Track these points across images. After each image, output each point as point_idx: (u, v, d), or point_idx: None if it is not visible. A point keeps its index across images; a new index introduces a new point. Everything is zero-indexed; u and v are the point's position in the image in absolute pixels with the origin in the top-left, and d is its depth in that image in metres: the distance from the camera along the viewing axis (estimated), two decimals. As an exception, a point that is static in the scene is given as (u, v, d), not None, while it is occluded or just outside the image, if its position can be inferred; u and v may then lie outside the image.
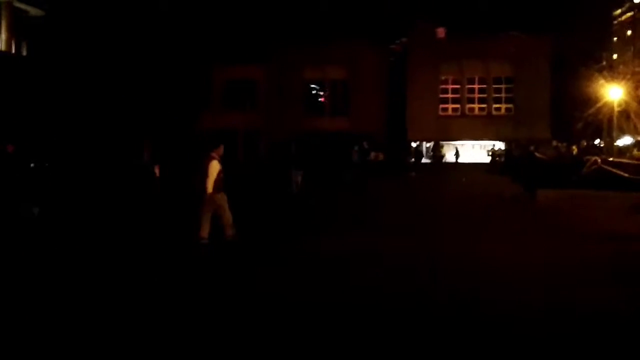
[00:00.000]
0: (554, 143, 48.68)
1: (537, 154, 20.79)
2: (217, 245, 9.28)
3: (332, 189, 21.18)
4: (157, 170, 11.78)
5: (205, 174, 9.06)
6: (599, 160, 24.02)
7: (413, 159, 40.56)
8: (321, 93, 49.75)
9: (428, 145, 50.58)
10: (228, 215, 9.28)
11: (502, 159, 43.78)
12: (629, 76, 40.01)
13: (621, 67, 43.08)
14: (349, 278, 7.53)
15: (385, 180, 25.98)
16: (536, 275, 7.79)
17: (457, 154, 44.39)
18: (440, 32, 47.99)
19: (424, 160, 45.07)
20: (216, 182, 9.13)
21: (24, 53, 36.49)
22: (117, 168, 18.48)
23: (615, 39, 73.68)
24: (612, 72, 42.37)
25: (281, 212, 14.55)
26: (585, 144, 54.44)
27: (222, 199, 9.27)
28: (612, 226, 12.12)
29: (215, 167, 9.11)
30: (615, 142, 46.01)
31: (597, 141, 56.08)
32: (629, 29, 71.44)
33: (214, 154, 9.29)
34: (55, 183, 15.98)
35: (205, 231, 9.20)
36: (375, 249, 9.38)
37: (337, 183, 23.37)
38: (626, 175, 22.04)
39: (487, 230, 11.68)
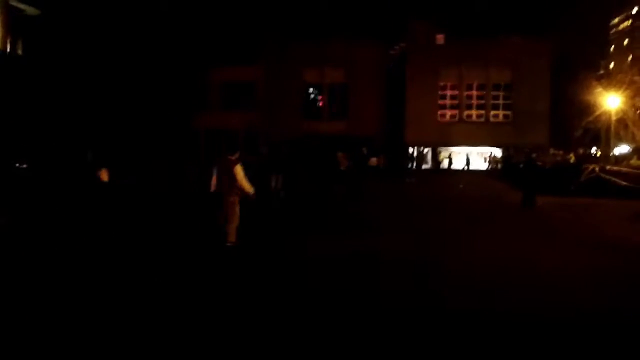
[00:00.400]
0: (551, 150, 48.80)
1: (538, 163, 20.62)
2: (213, 248, 9.22)
3: (316, 200, 19.12)
4: (104, 174, 11.17)
5: (232, 178, 9.08)
6: (597, 169, 24.02)
7: (411, 165, 40.42)
8: (319, 98, 49.55)
9: (425, 150, 50.55)
10: (237, 223, 9.28)
11: (498, 166, 43.87)
12: (625, 86, 40.05)
13: (620, 75, 43.09)
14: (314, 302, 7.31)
15: (382, 188, 24.60)
16: (534, 284, 7.58)
17: (450, 160, 44.36)
18: (440, 38, 47.95)
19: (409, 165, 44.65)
20: (239, 186, 9.18)
21: (20, 52, 36.21)
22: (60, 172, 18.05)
23: (612, 47, 74.09)
24: (610, 80, 42.40)
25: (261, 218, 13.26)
26: (581, 151, 54.64)
27: (236, 203, 9.27)
28: (615, 235, 11.94)
29: (241, 169, 9.17)
30: (612, 150, 46.04)
31: (593, 149, 56.25)
32: (626, 38, 71.80)
33: (233, 158, 9.27)
34: (29, 189, 15.47)
35: (230, 237, 9.27)
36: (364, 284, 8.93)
37: (322, 193, 21.18)
38: (624, 183, 22.02)
39: (487, 238, 11.45)
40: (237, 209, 9.27)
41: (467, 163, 46.04)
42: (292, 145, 36.14)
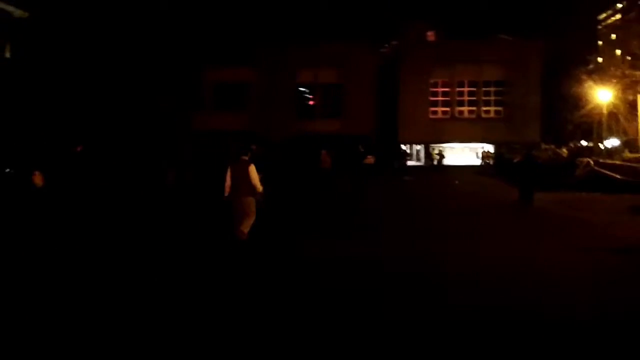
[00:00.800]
0: (543, 145, 48.95)
1: (537, 159, 20.52)
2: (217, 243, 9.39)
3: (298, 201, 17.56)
4: (38, 178, 10.56)
5: (244, 178, 9.31)
6: (592, 162, 24.05)
7: (405, 162, 40.31)
8: (310, 96, 49.42)
9: (418, 147, 50.52)
10: (253, 220, 9.51)
11: (490, 161, 43.87)
12: (615, 80, 40.20)
13: (612, 69, 43.27)
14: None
15: (377, 187, 23.12)
16: (537, 284, 7.48)
17: (439, 157, 43.95)
18: (431, 35, 48.00)
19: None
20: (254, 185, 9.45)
21: (7, 55, 35.81)
22: None
23: (600, 42, 74.44)
24: (601, 74, 42.57)
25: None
26: (572, 145, 54.89)
27: (253, 202, 9.54)
28: (614, 231, 11.90)
29: (254, 169, 9.43)
30: (603, 144, 46.35)
31: (584, 143, 56.52)
32: (613, 33, 72.01)
33: (245, 158, 9.54)
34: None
35: (245, 228, 9.44)
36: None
37: (304, 193, 19.58)
38: (619, 177, 22.06)
39: (487, 238, 11.33)
40: (254, 207, 9.48)
41: (440, 158, 43.94)
42: (283, 145, 35.94)
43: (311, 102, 49.28)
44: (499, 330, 5.51)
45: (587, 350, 5.04)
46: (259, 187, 9.47)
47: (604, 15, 75.18)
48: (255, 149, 19.76)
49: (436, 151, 46.02)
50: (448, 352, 4.99)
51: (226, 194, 9.41)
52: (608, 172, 22.49)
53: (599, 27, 75.62)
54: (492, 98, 47.89)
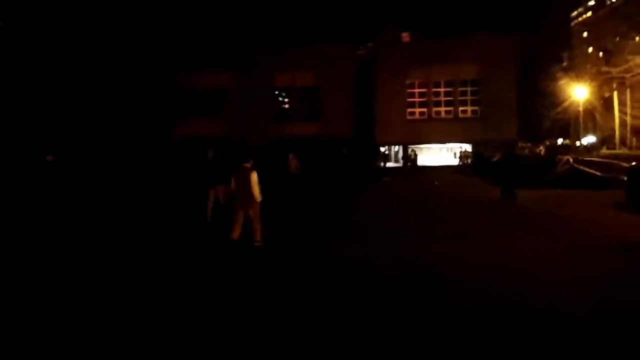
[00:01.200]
0: (520, 144, 49.34)
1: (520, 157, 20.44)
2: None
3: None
4: None
5: (247, 185, 9.62)
6: (572, 160, 24.15)
7: (382, 163, 40.17)
8: (287, 100, 49.19)
9: (396, 149, 50.40)
10: (261, 224, 9.85)
11: (468, 161, 43.98)
12: (592, 76, 40.54)
13: (588, 66, 43.71)
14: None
15: (355, 190, 22.82)
16: (532, 286, 7.27)
17: (414, 157, 43.76)
18: (406, 36, 48.04)
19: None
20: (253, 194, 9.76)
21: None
22: None
23: (573, 40, 75.54)
24: (576, 71, 43.00)
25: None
26: (548, 143, 55.54)
27: (257, 207, 9.88)
28: (599, 228, 11.75)
29: (256, 176, 9.73)
30: (580, 141, 46.82)
31: (559, 141, 57.17)
32: (585, 30, 73.10)
33: (247, 165, 9.82)
34: None
35: (236, 233, 9.76)
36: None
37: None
38: (599, 173, 22.14)
39: (474, 239, 11.10)
40: (259, 211, 9.81)
41: (414, 159, 43.30)
42: (258, 150, 35.46)
43: (286, 106, 49.05)
44: (492, 329, 5.51)
45: (578, 348, 5.01)
46: (257, 197, 9.69)
47: (575, 13, 76.31)
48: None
49: (410, 152, 46.02)
50: (449, 351, 5.01)
51: (229, 199, 9.96)
52: (587, 169, 22.57)
53: (572, 24, 76.73)
54: (469, 97, 48.00)
